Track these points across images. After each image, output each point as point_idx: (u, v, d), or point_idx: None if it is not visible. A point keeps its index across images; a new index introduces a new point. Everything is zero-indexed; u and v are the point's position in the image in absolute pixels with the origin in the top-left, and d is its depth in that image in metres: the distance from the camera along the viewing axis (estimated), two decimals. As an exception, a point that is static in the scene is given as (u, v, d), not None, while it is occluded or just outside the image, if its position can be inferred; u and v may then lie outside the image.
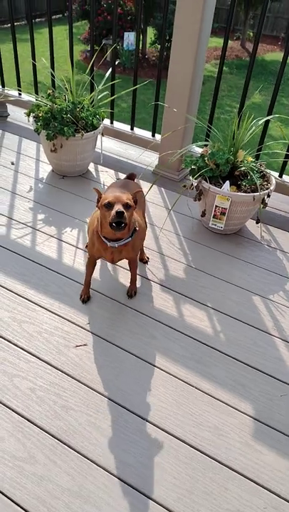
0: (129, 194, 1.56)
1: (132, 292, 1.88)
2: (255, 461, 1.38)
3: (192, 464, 1.36)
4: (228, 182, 2.10)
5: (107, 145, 2.91)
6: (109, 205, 1.49)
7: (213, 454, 1.39)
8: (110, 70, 2.72)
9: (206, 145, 2.31)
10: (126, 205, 1.49)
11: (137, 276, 1.99)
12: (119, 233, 1.54)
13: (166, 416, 1.47)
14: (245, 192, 2.11)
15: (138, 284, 1.96)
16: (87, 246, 1.86)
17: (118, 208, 1.46)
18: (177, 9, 2.25)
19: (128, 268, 1.87)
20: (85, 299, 1.85)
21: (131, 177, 1.91)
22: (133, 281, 1.87)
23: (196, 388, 1.56)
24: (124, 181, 1.87)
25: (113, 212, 1.46)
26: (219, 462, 1.37)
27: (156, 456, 1.37)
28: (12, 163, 2.71)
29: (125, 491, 1.28)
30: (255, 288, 2.01)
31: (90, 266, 1.79)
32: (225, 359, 1.67)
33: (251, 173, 2.13)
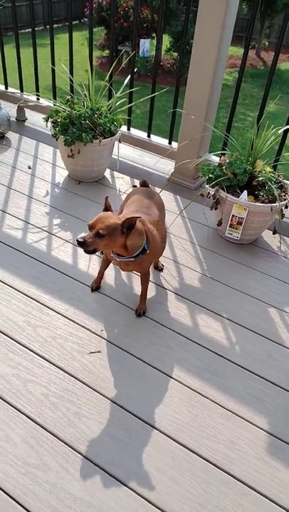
0: (117, 222, 1.48)
1: (140, 311, 1.83)
2: (270, 478, 1.36)
3: (206, 477, 1.34)
4: (245, 192, 2.09)
5: (122, 151, 2.92)
6: (88, 227, 1.49)
7: (228, 469, 1.37)
8: (129, 77, 2.74)
9: (223, 154, 2.31)
10: (96, 233, 1.45)
11: (152, 284, 1.99)
12: (87, 253, 1.49)
13: (180, 427, 1.46)
14: (262, 202, 2.10)
15: (153, 291, 1.95)
16: None
17: (83, 235, 1.45)
18: (198, 17, 2.25)
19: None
20: (94, 287, 1.90)
21: (144, 184, 1.91)
22: (143, 298, 1.81)
23: (210, 400, 1.54)
24: (149, 192, 1.85)
25: (79, 237, 1.45)
26: (233, 477, 1.35)
27: (169, 468, 1.35)
28: (29, 168, 2.73)
29: (138, 503, 1.26)
30: (270, 299, 1.99)
31: (104, 262, 1.85)
32: (240, 371, 1.65)
33: (269, 184, 2.11)
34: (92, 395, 1.52)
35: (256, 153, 2.18)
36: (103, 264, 1.86)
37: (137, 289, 1.95)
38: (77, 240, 1.45)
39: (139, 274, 1.81)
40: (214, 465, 1.37)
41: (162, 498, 1.28)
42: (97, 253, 2.06)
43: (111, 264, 1.89)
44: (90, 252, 1.48)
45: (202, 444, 1.42)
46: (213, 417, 1.50)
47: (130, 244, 1.55)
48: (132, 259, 1.59)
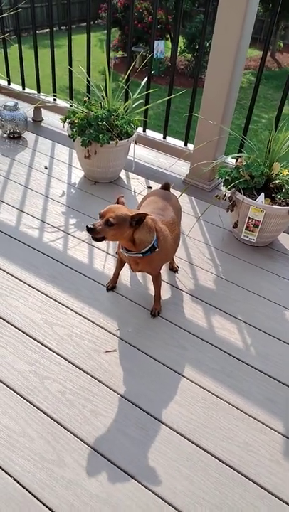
0: (127, 214, 1.51)
1: (155, 312, 1.84)
2: (285, 481, 1.36)
3: (221, 478, 1.34)
4: (262, 194, 2.09)
5: (138, 152, 2.94)
6: (99, 216, 1.52)
7: (243, 470, 1.37)
8: (146, 79, 2.75)
9: (240, 156, 2.31)
10: (106, 222, 1.48)
11: (168, 285, 2.00)
12: (94, 238, 1.51)
13: (195, 428, 1.46)
14: (279, 205, 2.09)
15: (168, 292, 1.96)
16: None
17: (94, 222, 1.49)
18: (217, 21, 2.25)
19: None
20: (109, 286, 1.93)
21: (166, 187, 1.92)
22: (157, 299, 1.83)
23: (225, 402, 1.55)
24: (167, 194, 1.87)
25: (89, 224, 1.49)
26: (248, 479, 1.35)
27: (184, 468, 1.36)
28: (46, 168, 2.76)
29: (153, 502, 1.27)
30: (285, 302, 1.98)
31: (119, 262, 1.87)
32: (255, 374, 1.65)
33: (287, 186, 2.11)
34: (107, 393, 1.53)
35: (273, 155, 2.18)
36: (118, 264, 1.88)
37: (152, 289, 1.95)
38: (86, 226, 1.48)
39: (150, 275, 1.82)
40: (229, 466, 1.37)
41: (178, 497, 1.29)
42: (112, 253, 2.08)
43: (126, 264, 1.91)
44: (99, 239, 1.51)
45: (217, 445, 1.42)
46: (229, 419, 1.50)
47: (138, 238, 1.57)
48: (140, 255, 1.60)
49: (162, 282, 1.99)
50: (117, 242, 1.91)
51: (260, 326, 1.85)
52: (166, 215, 1.75)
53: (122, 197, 1.66)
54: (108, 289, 1.93)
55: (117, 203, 1.64)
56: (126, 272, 2.03)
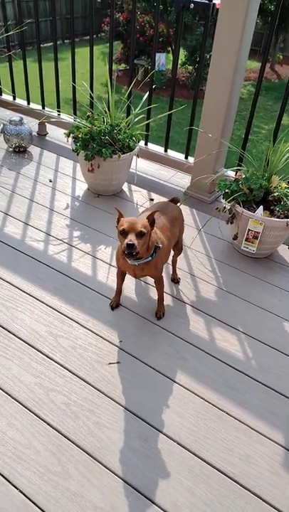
0: (145, 219, 1.58)
1: (160, 314, 1.90)
2: (285, 493, 1.37)
3: (222, 490, 1.36)
4: (261, 207, 2.13)
5: (140, 165, 2.99)
6: (124, 233, 1.54)
7: (244, 482, 1.39)
8: (147, 94, 2.82)
9: (239, 169, 2.36)
10: (139, 233, 1.52)
11: (169, 296, 2.03)
12: (130, 260, 1.58)
13: (196, 440, 1.49)
14: (278, 217, 2.13)
15: (170, 304, 2.00)
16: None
17: (130, 239, 1.50)
18: (216, 36, 2.31)
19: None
20: (114, 305, 1.94)
21: (174, 201, 1.97)
22: (160, 301, 1.90)
23: (227, 414, 1.57)
24: (165, 204, 1.92)
25: (124, 243, 1.51)
26: (249, 491, 1.37)
27: (186, 480, 1.38)
28: (50, 181, 2.81)
29: (156, 513, 1.29)
30: (286, 314, 2.01)
31: (119, 276, 1.89)
32: (257, 386, 1.68)
33: (285, 199, 2.15)
34: (111, 405, 1.56)
35: (272, 168, 2.22)
36: (119, 277, 1.89)
37: (154, 300, 1.99)
38: (127, 244, 1.49)
39: (153, 279, 1.86)
40: (231, 478, 1.40)
41: (180, 509, 1.31)
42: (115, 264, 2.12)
43: (127, 276, 1.94)
44: (134, 255, 1.53)
45: (219, 457, 1.45)
46: (230, 431, 1.52)
47: (152, 238, 1.64)
48: (150, 258, 1.65)
49: (164, 294, 2.02)
50: (114, 255, 1.96)
51: (261, 338, 1.88)
52: (158, 221, 1.78)
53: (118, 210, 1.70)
54: (113, 308, 1.93)
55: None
56: (129, 284, 2.07)
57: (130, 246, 1.50)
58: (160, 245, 1.68)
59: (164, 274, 1.87)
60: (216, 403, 1.60)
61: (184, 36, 10.07)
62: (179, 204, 2.00)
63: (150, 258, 1.66)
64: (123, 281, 1.92)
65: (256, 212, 2.13)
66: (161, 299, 1.89)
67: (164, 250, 1.77)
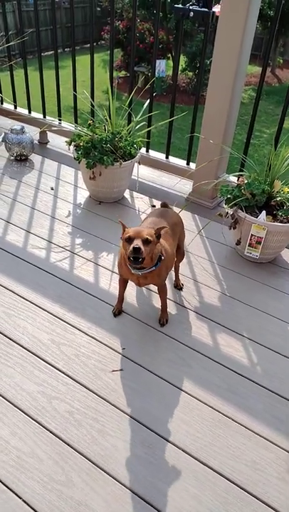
0: (152, 230, 1.60)
1: (163, 320, 1.90)
2: (293, 500, 1.35)
3: (229, 498, 1.35)
4: (264, 212, 2.13)
5: (141, 172, 3.00)
6: (130, 240, 1.55)
7: (251, 489, 1.37)
8: (148, 101, 2.83)
9: (241, 175, 2.36)
10: (146, 241, 1.53)
11: (172, 302, 2.02)
12: (136, 267, 1.58)
13: (202, 447, 1.47)
14: (281, 222, 2.13)
15: (173, 310, 1.99)
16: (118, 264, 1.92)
17: (136, 243, 1.51)
18: (216, 42, 2.32)
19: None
20: (116, 312, 1.93)
21: (164, 205, 1.98)
22: (164, 308, 1.89)
23: (232, 420, 1.56)
24: (163, 210, 1.93)
25: (131, 246, 1.51)
26: (257, 498, 1.35)
27: (192, 487, 1.36)
28: (52, 189, 2.83)
29: (162, 522, 1.28)
30: (290, 318, 2.00)
31: (121, 284, 1.89)
32: (262, 391, 1.66)
33: (288, 204, 2.14)
34: (114, 413, 1.55)
35: (274, 173, 2.22)
36: (121, 285, 1.89)
37: (157, 307, 1.99)
38: (134, 247, 1.50)
39: (156, 287, 1.85)
40: (237, 485, 1.38)
41: (186, 517, 1.29)
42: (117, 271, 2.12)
43: (130, 283, 1.94)
44: (140, 261, 1.54)
45: (225, 463, 1.43)
46: (235, 437, 1.51)
47: (157, 250, 1.64)
48: (154, 268, 1.65)
49: (168, 300, 2.02)
50: (116, 263, 1.96)
51: (265, 343, 1.86)
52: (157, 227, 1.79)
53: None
54: (115, 315, 1.93)
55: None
56: (131, 290, 2.06)
57: (136, 250, 1.50)
58: (163, 256, 1.68)
59: (167, 282, 1.86)
60: (221, 409, 1.59)
61: (183, 43, 10.16)
62: (179, 211, 2.01)
63: (154, 268, 1.66)
64: (125, 288, 1.91)
65: (259, 218, 2.13)
66: (164, 306, 1.89)
67: (168, 258, 1.77)
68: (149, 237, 1.54)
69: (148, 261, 1.60)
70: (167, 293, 1.88)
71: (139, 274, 1.66)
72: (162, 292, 1.84)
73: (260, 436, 1.51)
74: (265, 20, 9.79)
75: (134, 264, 1.57)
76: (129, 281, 1.87)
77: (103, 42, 12.26)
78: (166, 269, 1.78)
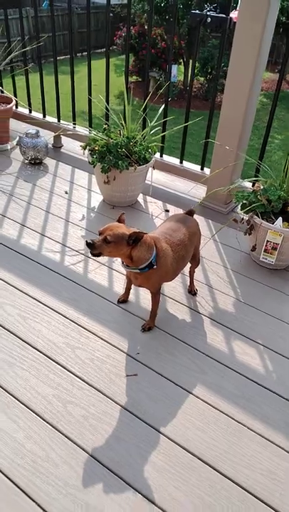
0: (127, 232, 1.58)
1: (146, 327, 1.88)
2: (311, 511, 1.33)
3: (244, 507, 1.33)
4: (280, 218, 2.12)
5: (155, 176, 3.00)
6: (99, 233, 1.60)
7: (267, 500, 1.35)
8: (163, 107, 2.84)
9: (256, 180, 2.35)
10: (104, 239, 1.55)
11: (186, 308, 2.02)
12: (93, 253, 1.58)
13: (217, 455, 1.46)
14: (297, 229, 2.11)
15: (187, 316, 1.98)
16: None
17: (94, 239, 1.56)
18: (233, 49, 2.32)
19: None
20: (120, 299, 1.99)
21: (190, 213, 1.97)
22: (151, 316, 1.87)
23: (248, 428, 1.54)
24: (184, 217, 1.92)
25: (88, 239, 1.56)
26: (274, 509, 1.33)
27: (207, 495, 1.35)
28: (66, 193, 2.84)
29: (177, 531, 1.27)
30: (306, 326, 1.98)
31: (127, 277, 1.92)
32: (277, 399, 1.64)
33: (304, 210, 2.13)
34: (130, 419, 1.54)
35: (290, 180, 2.21)
36: (127, 278, 1.94)
37: (171, 313, 1.98)
38: (86, 241, 1.55)
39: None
40: (253, 495, 1.36)
41: (201, 526, 1.28)
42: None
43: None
44: (96, 254, 1.58)
45: (240, 472, 1.42)
46: (251, 446, 1.49)
47: (135, 255, 1.63)
48: (138, 270, 1.66)
49: (182, 306, 2.02)
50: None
51: (280, 351, 1.84)
52: (174, 236, 1.79)
53: (124, 214, 1.72)
54: (119, 302, 1.98)
55: (119, 220, 1.70)
56: (145, 295, 2.06)
57: (88, 244, 1.55)
58: (155, 266, 1.66)
59: (180, 287, 1.86)
60: (236, 417, 1.57)
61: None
62: (195, 217, 2.00)
63: (138, 270, 1.65)
64: (131, 282, 1.91)
65: (275, 224, 2.12)
66: (153, 313, 1.86)
67: (164, 270, 1.73)
68: (109, 237, 1.55)
69: (127, 261, 1.63)
70: (159, 302, 1.85)
71: (127, 268, 1.69)
72: (153, 300, 1.83)
73: (276, 444, 1.50)
74: (277, 26, 9.78)
75: (88, 249, 1.59)
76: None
77: (115, 47, 12.36)
78: (159, 279, 1.76)
